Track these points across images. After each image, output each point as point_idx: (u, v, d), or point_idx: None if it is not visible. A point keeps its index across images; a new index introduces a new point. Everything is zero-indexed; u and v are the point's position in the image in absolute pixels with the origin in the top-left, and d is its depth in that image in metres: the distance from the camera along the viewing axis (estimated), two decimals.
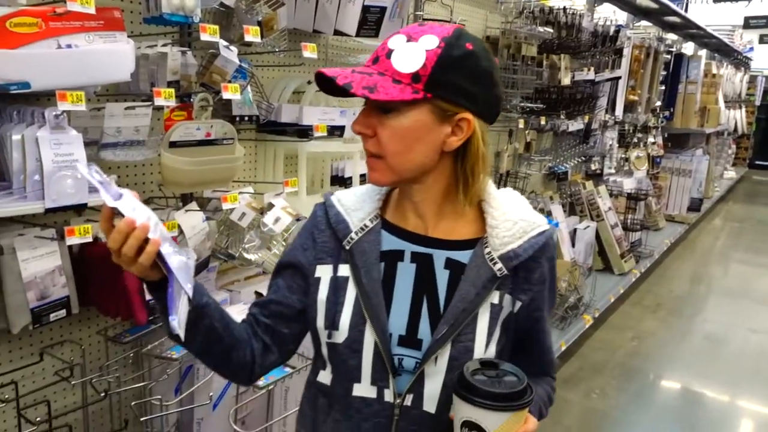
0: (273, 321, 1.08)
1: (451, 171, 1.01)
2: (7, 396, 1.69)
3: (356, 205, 1.07)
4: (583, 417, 3.31)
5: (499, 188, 1.09)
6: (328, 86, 0.97)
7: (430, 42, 0.94)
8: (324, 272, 1.06)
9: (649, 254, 5.69)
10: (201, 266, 2.01)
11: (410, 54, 0.93)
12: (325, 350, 1.05)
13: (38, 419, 1.69)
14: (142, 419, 1.84)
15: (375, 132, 0.96)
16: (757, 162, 13.76)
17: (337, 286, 1.04)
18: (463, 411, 0.91)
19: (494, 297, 1.02)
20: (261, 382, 1.80)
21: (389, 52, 0.94)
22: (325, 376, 1.07)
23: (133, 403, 1.88)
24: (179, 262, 0.90)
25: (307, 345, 1.15)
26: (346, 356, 1.02)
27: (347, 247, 1.04)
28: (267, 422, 2.07)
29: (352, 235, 1.04)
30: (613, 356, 4.06)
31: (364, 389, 1.02)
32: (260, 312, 1.09)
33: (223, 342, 1.03)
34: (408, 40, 0.94)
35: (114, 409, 2.00)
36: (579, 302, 4.04)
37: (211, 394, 1.89)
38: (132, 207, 0.89)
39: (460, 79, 0.94)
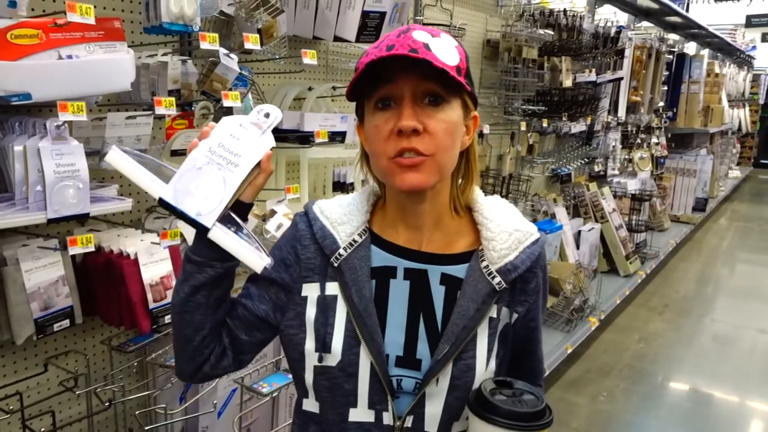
0: (235, 324, 1.01)
1: (453, 174, 0.99)
2: (12, 407, 1.69)
3: (343, 218, 1.00)
4: (591, 420, 3.28)
5: (502, 191, 1.08)
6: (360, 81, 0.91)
7: (451, 39, 0.93)
8: (310, 291, 0.99)
9: (655, 255, 5.67)
10: None
11: (446, 48, 0.90)
12: (309, 376, 0.98)
13: (43, 430, 1.69)
14: (146, 428, 1.84)
15: (425, 127, 0.89)
16: (762, 161, 13.71)
17: (326, 305, 0.98)
18: None
19: (492, 311, 0.99)
20: (265, 389, 1.80)
21: (426, 45, 0.88)
22: (310, 404, 1.01)
23: (137, 412, 1.88)
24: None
25: None
26: (340, 380, 0.96)
27: (335, 264, 0.98)
28: (272, 429, 2.06)
29: (341, 251, 0.98)
30: (620, 358, 4.04)
31: (360, 414, 0.97)
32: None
33: (209, 318, 0.97)
34: (432, 36, 0.90)
35: (119, 419, 2.00)
36: (584, 304, 4.03)
37: (215, 402, 1.88)
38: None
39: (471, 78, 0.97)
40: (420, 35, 0.90)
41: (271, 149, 0.93)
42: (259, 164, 0.92)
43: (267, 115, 0.92)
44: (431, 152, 0.90)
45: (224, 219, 0.90)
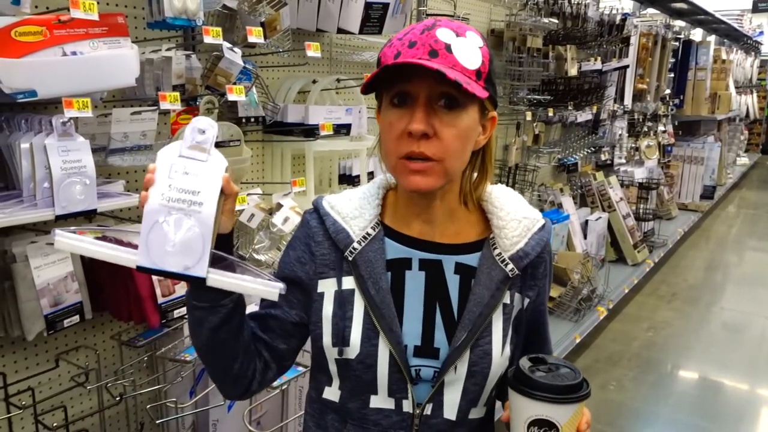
0: (271, 336, 1.03)
1: (465, 170, 0.99)
2: (24, 402, 1.70)
3: (354, 212, 1.00)
4: (600, 409, 3.28)
5: (508, 182, 1.08)
6: (373, 85, 0.91)
7: (476, 38, 0.91)
8: (327, 287, 1.00)
9: (663, 244, 5.64)
10: None
11: (468, 50, 0.88)
12: (333, 367, 1.01)
13: (55, 425, 1.71)
14: (157, 422, 1.86)
15: (436, 132, 0.89)
16: None
17: (343, 299, 0.98)
18: (531, 410, 0.90)
19: (506, 297, 1.00)
20: (275, 383, 1.81)
21: (447, 46, 0.87)
22: (332, 393, 1.03)
23: (148, 406, 1.89)
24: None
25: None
26: (359, 371, 0.97)
27: (350, 258, 0.98)
28: (282, 422, 2.07)
29: (355, 245, 0.98)
30: (629, 347, 4.03)
31: (381, 401, 0.99)
32: (258, 326, 1.03)
33: (239, 344, 0.98)
34: (457, 36, 0.88)
35: (130, 413, 2.02)
36: (593, 294, 4.02)
37: None
38: None
39: (495, 78, 0.95)
40: (444, 34, 0.88)
41: (225, 169, 0.85)
42: (222, 191, 0.85)
43: (202, 132, 0.84)
44: (439, 157, 0.90)
45: (213, 260, 0.84)
